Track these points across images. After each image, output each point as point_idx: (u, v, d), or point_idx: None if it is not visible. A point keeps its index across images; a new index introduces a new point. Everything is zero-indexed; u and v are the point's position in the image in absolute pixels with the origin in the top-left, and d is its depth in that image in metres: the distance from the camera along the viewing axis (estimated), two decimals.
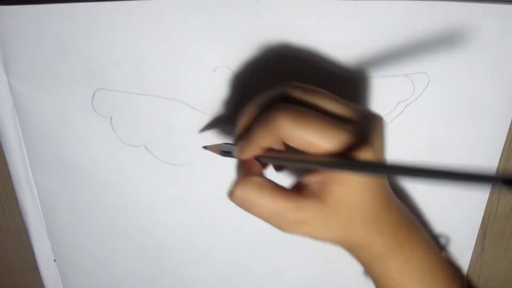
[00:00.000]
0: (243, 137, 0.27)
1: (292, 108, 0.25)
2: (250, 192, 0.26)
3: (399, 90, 0.33)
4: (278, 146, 0.26)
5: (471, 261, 0.44)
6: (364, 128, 0.25)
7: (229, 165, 0.36)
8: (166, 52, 0.31)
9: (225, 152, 0.30)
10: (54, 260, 0.41)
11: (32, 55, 0.31)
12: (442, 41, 0.32)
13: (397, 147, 0.36)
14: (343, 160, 0.24)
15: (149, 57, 0.31)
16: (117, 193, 0.37)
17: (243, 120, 0.28)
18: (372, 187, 0.26)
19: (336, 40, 0.31)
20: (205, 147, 0.32)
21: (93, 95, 0.33)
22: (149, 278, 0.42)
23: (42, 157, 0.36)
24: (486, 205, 0.40)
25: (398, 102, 0.34)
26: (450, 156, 0.37)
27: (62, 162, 0.36)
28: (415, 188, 0.38)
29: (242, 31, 0.31)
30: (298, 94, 0.26)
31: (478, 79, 0.33)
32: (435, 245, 0.33)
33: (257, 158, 0.27)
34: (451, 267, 0.35)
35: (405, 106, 0.34)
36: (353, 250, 0.30)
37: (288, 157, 0.26)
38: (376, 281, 0.32)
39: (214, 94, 0.33)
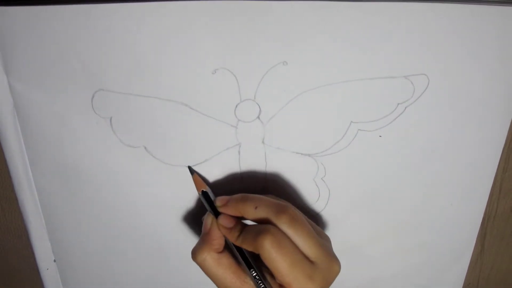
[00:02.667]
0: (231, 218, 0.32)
1: (278, 238, 0.29)
2: (210, 261, 0.32)
3: (399, 91, 0.33)
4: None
5: (471, 261, 0.44)
6: (322, 271, 0.30)
7: (228, 165, 0.36)
8: (165, 53, 0.31)
9: (204, 195, 0.34)
10: (54, 260, 0.41)
11: (32, 55, 0.31)
12: (442, 43, 0.32)
13: (396, 149, 0.36)
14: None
15: (149, 58, 0.31)
16: (117, 194, 0.37)
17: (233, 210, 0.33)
18: None
19: (336, 42, 0.31)
20: (192, 172, 0.36)
21: (93, 96, 0.33)
22: (149, 278, 0.42)
23: (42, 157, 0.36)
24: (486, 206, 0.40)
25: (398, 104, 0.34)
26: (450, 157, 0.37)
27: (62, 162, 0.36)
28: (415, 188, 0.38)
29: (242, 33, 0.31)
30: (284, 225, 0.30)
31: (478, 80, 0.33)
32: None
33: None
34: None
35: (405, 108, 0.34)
36: None
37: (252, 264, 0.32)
38: None
39: (213, 95, 0.33)
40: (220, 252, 0.32)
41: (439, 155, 0.36)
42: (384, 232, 0.40)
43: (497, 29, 0.31)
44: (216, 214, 0.33)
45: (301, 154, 0.36)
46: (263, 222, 0.31)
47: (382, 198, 0.38)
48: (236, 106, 0.33)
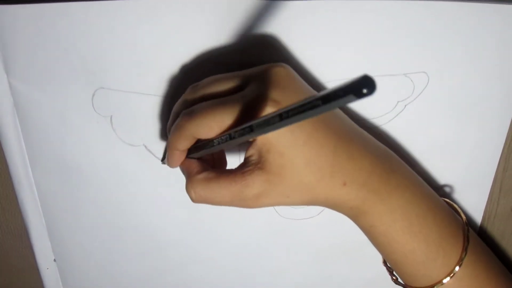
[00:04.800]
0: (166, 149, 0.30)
1: (187, 110, 0.27)
2: (201, 190, 0.28)
3: (398, 89, 0.33)
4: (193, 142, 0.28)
5: None
6: (260, 85, 0.26)
7: (228, 165, 0.36)
8: (166, 51, 0.31)
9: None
10: (54, 260, 0.41)
11: (32, 55, 0.31)
12: (442, 41, 0.32)
13: (396, 146, 0.36)
14: (247, 125, 0.23)
15: (149, 56, 0.31)
16: (117, 193, 0.37)
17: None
18: (301, 138, 0.26)
19: (336, 40, 0.31)
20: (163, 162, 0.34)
21: (93, 95, 0.33)
22: (148, 278, 0.42)
23: (42, 157, 0.36)
24: (486, 205, 0.40)
25: (398, 102, 0.34)
26: (449, 156, 0.37)
27: (62, 161, 0.36)
28: None
29: (242, 32, 0.31)
30: (191, 95, 0.28)
31: (478, 79, 0.33)
32: (428, 189, 0.31)
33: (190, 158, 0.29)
34: (449, 213, 0.33)
35: (405, 106, 0.34)
36: (333, 208, 0.29)
37: (206, 144, 0.27)
38: (367, 237, 0.31)
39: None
40: (201, 172, 0.28)
41: (438, 154, 0.36)
42: None
43: (497, 27, 0.31)
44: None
45: None
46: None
47: None
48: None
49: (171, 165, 0.30)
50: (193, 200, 0.28)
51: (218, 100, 0.27)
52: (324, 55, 0.32)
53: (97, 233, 0.39)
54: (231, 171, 0.27)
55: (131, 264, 0.41)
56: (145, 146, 0.35)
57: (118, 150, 0.35)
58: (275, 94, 0.25)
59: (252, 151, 0.27)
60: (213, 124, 0.26)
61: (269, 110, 0.25)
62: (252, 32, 0.31)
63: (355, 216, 0.30)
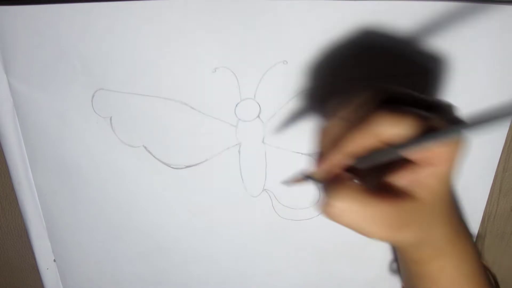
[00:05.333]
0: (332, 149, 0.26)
1: (391, 108, 0.24)
2: (351, 199, 0.24)
3: None
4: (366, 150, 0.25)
5: None
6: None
7: (229, 165, 0.36)
8: (165, 52, 0.31)
9: (309, 177, 0.29)
10: (54, 260, 0.41)
11: (32, 55, 0.31)
12: (442, 41, 0.32)
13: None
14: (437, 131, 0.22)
15: (149, 57, 0.31)
16: (117, 193, 0.37)
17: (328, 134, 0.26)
18: (452, 173, 0.25)
19: (336, 41, 0.31)
20: (287, 183, 0.32)
21: (93, 96, 0.33)
22: (148, 278, 0.42)
23: (42, 157, 0.36)
24: (486, 205, 0.40)
25: None
26: None
27: (62, 162, 0.36)
28: None
29: (242, 32, 0.31)
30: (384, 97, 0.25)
31: (478, 79, 0.33)
32: (479, 255, 0.33)
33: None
34: (489, 273, 0.35)
35: None
36: (415, 245, 0.28)
37: (384, 151, 0.24)
38: (429, 279, 0.31)
39: (213, 94, 0.33)
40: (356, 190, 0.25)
41: None
42: None
43: (497, 27, 0.31)
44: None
45: (301, 153, 0.36)
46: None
47: None
48: (236, 105, 0.33)
49: (326, 164, 0.26)
50: (331, 209, 0.24)
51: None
52: (324, 56, 0.32)
53: (97, 233, 0.39)
54: (382, 193, 0.25)
55: (131, 264, 0.41)
56: (145, 147, 0.35)
57: (118, 151, 0.35)
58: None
59: (404, 178, 0.25)
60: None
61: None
62: (253, 31, 0.31)
63: (430, 257, 0.30)
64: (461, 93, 0.34)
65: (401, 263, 0.33)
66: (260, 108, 0.34)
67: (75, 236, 0.40)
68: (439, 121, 0.23)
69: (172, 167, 0.36)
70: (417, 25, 0.31)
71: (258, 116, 0.34)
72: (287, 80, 0.32)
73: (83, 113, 0.33)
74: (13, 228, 0.40)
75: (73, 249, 0.40)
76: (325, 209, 0.25)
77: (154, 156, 0.35)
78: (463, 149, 0.24)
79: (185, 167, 0.36)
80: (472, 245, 0.31)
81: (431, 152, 0.24)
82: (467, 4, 0.30)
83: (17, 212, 0.39)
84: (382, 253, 0.42)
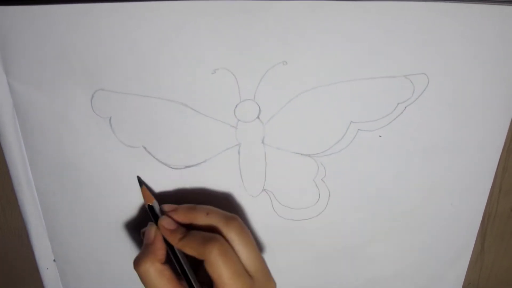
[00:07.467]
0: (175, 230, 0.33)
1: (225, 247, 0.30)
2: (151, 273, 0.31)
3: (398, 91, 0.33)
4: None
5: (471, 261, 0.44)
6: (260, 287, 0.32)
7: (228, 165, 0.36)
8: (165, 53, 0.31)
9: (150, 209, 0.35)
10: (54, 260, 0.41)
11: (32, 55, 0.31)
12: (442, 42, 0.32)
13: (396, 149, 0.36)
14: None
15: (149, 58, 0.31)
16: (117, 194, 0.37)
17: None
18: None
19: (336, 41, 0.31)
20: (141, 184, 0.36)
21: (92, 96, 0.33)
22: None
23: (42, 157, 0.36)
24: (486, 205, 0.40)
25: (398, 103, 0.34)
26: (450, 157, 0.37)
27: (62, 162, 0.36)
28: (415, 188, 0.38)
29: (242, 33, 0.31)
30: (232, 233, 0.32)
31: (478, 79, 0.33)
32: None
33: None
34: None
35: (405, 107, 0.34)
36: None
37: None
38: None
39: (213, 95, 0.33)
40: (163, 264, 0.32)
41: (439, 154, 0.36)
42: (384, 232, 0.40)
43: (498, 28, 0.31)
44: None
45: (301, 154, 0.36)
46: (210, 231, 0.32)
47: (382, 198, 0.38)
48: (236, 106, 0.33)
49: (147, 239, 0.34)
50: (138, 266, 0.32)
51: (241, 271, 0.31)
52: (324, 56, 0.32)
53: (96, 234, 0.39)
54: (179, 279, 0.32)
55: (131, 264, 0.41)
56: (144, 148, 0.35)
57: (117, 152, 0.35)
58: None
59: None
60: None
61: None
62: (252, 32, 0.31)
63: None
64: (461, 93, 0.34)
65: None
66: (259, 109, 0.34)
67: (75, 236, 0.40)
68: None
69: (172, 167, 0.36)
70: (417, 25, 0.31)
71: (258, 117, 0.34)
72: (287, 81, 0.32)
73: (83, 113, 0.33)
74: (13, 228, 0.40)
75: (73, 249, 0.40)
76: (134, 264, 0.32)
77: (153, 157, 0.35)
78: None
79: (185, 167, 0.36)
80: None
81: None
82: (467, 4, 0.30)
83: (17, 212, 0.39)
84: (382, 253, 0.42)
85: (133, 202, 0.37)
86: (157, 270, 0.31)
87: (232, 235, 0.31)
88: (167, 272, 0.32)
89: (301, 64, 0.32)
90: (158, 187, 0.37)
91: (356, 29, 0.31)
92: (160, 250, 0.32)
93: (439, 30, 0.31)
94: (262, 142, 0.35)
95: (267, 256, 0.41)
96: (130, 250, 0.40)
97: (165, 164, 0.36)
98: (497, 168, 0.38)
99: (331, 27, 0.31)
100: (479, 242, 0.43)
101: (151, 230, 0.33)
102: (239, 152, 0.35)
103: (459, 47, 0.32)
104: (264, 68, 0.32)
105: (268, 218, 0.38)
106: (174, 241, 0.32)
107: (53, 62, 0.31)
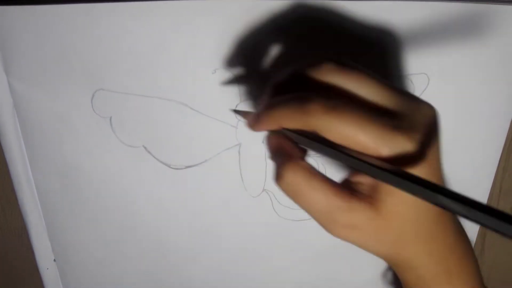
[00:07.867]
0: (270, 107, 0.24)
1: (329, 104, 0.21)
2: (301, 180, 0.23)
3: None
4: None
5: None
6: (414, 126, 0.21)
7: (229, 165, 0.36)
8: (165, 53, 0.31)
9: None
10: (54, 260, 0.41)
11: (32, 55, 0.31)
12: (442, 42, 0.32)
13: None
14: (390, 169, 0.19)
15: (149, 58, 0.31)
16: (117, 193, 0.37)
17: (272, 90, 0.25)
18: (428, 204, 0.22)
19: (336, 41, 0.31)
20: (235, 111, 0.31)
21: (93, 96, 0.33)
22: (149, 278, 0.42)
23: (42, 157, 0.36)
24: None
25: None
26: (450, 157, 0.37)
27: (62, 162, 0.36)
28: None
29: (242, 32, 0.31)
30: (333, 78, 0.23)
31: (478, 80, 0.33)
32: (482, 281, 0.30)
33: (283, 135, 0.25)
34: None
35: None
36: (398, 268, 0.27)
37: (326, 145, 0.22)
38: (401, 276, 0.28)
39: (213, 95, 0.33)
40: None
41: None
42: None
43: (497, 28, 0.31)
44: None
45: None
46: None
47: None
48: (236, 106, 0.33)
49: (259, 125, 0.25)
50: (281, 182, 0.23)
51: (369, 114, 0.21)
52: (324, 56, 0.32)
53: (97, 233, 0.39)
54: (335, 183, 0.23)
55: (131, 264, 0.41)
56: (145, 147, 0.35)
57: (117, 151, 0.35)
58: (435, 156, 0.23)
59: (365, 179, 0.23)
60: (367, 140, 0.21)
61: (424, 174, 0.21)
62: (252, 33, 0.31)
63: (416, 285, 0.27)
64: (460, 93, 0.34)
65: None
66: None
67: (75, 236, 0.40)
68: (407, 121, 0.21)
69: (172, 167, 0.36)
70: (417, 25, 0.31)
71: None
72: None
73: (83, 113, 0.33)
74: (13, 228, 0.40)
75: (73, 249, 0.40)
76: (276, 178, 0.24)
77: (154, 156, 0.35)
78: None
79: (185, 167, 0.36)
80: (473, 279, 0.28)
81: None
82: (467, 4, 0.30)
83: (17, 212, 0.39)
84: None
85: (133, 202, 0.37)
86: (306, 174, 0.23)
87: (332, 78, 0.23)
88: (318, 173, 0.23)
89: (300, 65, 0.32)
90: (158, 187, 0.37)
91: (355, 28, 0.31)
92: (294, 149, 0.24)
93: (439, 29, 0.31)
94: (263, 142, 0.35)
95: (267, 256, 0.41)
96: (130, 250, 0.40)
97: (166, 164, 0.36)
98: (497, 168, 0.38)
99: (330, 27, 0.31)
100: (479, 242, 0.43)
101: (272, 138, 0.25)
102: (239, 152, 0.35)
103: (459, 47, 0.32)
104: (264, 69, 0.32)
105: (268, 218, 0.38)
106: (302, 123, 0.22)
107: (53, 62, 0.31)
